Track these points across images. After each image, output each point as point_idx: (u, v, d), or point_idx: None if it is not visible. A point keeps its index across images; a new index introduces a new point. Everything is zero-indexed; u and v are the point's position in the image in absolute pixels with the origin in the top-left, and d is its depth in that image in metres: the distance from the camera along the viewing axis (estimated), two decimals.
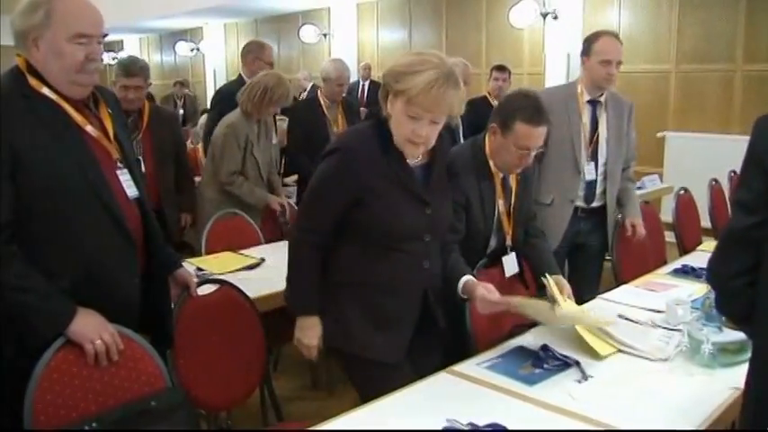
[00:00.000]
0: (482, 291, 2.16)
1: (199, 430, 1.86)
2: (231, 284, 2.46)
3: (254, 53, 4.70)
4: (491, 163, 2.55)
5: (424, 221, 2.07)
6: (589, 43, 3.26)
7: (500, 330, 2.39)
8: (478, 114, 5.61)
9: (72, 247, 1.85)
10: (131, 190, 1.99)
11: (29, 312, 1.78)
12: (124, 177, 1.98)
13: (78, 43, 1.83)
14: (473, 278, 2.26)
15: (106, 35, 1.94)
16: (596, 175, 3.31)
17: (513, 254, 2.65)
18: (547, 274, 2.39)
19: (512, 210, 2.64)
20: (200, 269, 3.13)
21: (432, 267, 2.13)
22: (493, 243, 2.66)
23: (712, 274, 1.57)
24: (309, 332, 2.12)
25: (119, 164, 1.97)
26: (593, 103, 3.32)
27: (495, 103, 5.77)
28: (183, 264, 3.19)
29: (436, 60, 1.92)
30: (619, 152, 3.36)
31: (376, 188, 1.99)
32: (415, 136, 1.94)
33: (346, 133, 2.06)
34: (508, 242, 2.65)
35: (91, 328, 1.83)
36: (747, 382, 1.52)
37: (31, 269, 1.78)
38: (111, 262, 1.92)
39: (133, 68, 3.76)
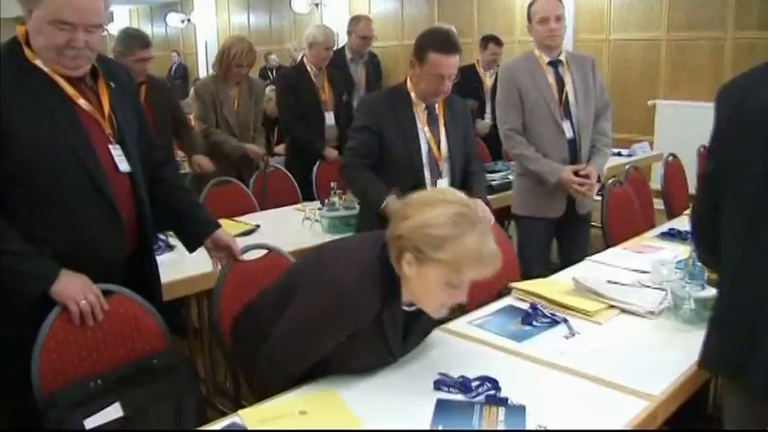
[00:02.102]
0: None
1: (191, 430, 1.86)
2: (279, 251, 2.43)
3: (349, 26, 5.21)
4: (412, 94, 2.84)
5: (379, 366, 1.87)
6: (529, 9, 3.33)
7: (490, 292, 2.46)
8: (466, 83, 5.62)
9: (57, 217, 1.88)
10: (123, 164, 2.00)
11: (8, 274, 1.81)
12: (116, 152, 1.99)
13: (59, 28, 1.80)
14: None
15: (100, 25, 1.87)
16: (574, 133, 3.33)
17: (446, 179, 2.86)
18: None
19: (442, 138, 2.86)
20: None
21: None
22: (428, 176, 2.83)
23: (692, 209, 1.85)
24: None
25: (111, 138, 1.98)
26: (554, 63, 3.34)
27: (481, 71, 5.80)
28: None
29: (464, 209, 1.67)
30: (588, 109, 3.37)
31: (359, 336, 1.75)
32: (450, 300, 1.73)
33: (346, 268, 1.73)
34: (441, 168, 2.85)
35: (74, 288, 1.86)
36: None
37: (10, 231, 1.80)
38: (96, 233, 1.94)
39: (147, 40, 3.90)
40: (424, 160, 2.84)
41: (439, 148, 2.86)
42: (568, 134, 3.32)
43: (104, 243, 1.97)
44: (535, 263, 3.35)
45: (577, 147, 3.34)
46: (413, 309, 1.81)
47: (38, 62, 1.86)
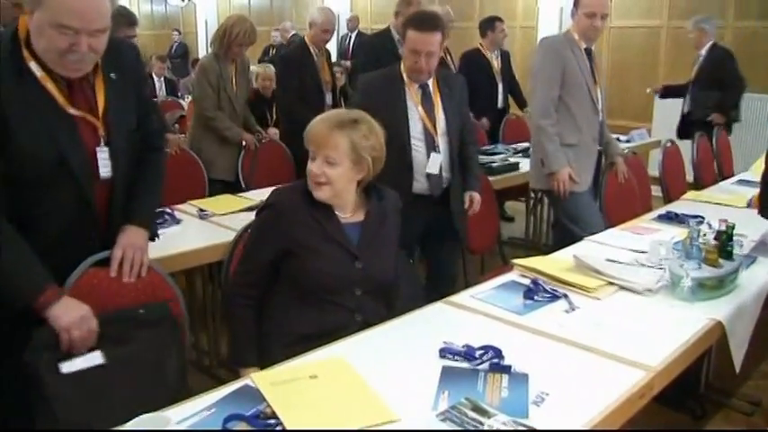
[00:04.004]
0: None
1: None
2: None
3: (398, 6, 4.78)
4: (404, 75, 2.98)
5: (353, 275, 2.05)
6: None
7: None
8: (473, 67, 5.62)
9: (37, 220, 1.86)
10: (105, 170, 1.95)
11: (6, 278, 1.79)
12: (102, 156, 1.94)
13: (61, 32, 1.73)
14: None
15: (105, 29, 1.80)
16: (602, 116, 3.61)
17: (440, 154, 2.99)
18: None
19: (439, 115, 2.99)
20: (201, 210, 3.23)
21: (365, 321, 2.06)
22: (423, 150, 2.96)
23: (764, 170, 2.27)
24: None
25: (102, 140, 1.94)
26: (588, 51, 3.52)
27: (488, 54, 5.80)
28: (185, 204, 3.33)
29: None
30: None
31: (302, 241, 2.02)
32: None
33: (279, 189, 2.13)
34: (437, 142, 2.98)
35: (72, 318, 1.80)
36: None
37: (12, 235, 1.79)
38: (71, 238, 1.94)
39: (133, 19, 3.95)
40: (419, 136, 2.95)
41: (435, 124, 2.97)
42: (601, 116, 3.57)
43: (78, 247, 1.96)
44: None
45: (604, 129, 3.63)
46: (351, 219, 2.10)
47: (32, 64, 1.80)
